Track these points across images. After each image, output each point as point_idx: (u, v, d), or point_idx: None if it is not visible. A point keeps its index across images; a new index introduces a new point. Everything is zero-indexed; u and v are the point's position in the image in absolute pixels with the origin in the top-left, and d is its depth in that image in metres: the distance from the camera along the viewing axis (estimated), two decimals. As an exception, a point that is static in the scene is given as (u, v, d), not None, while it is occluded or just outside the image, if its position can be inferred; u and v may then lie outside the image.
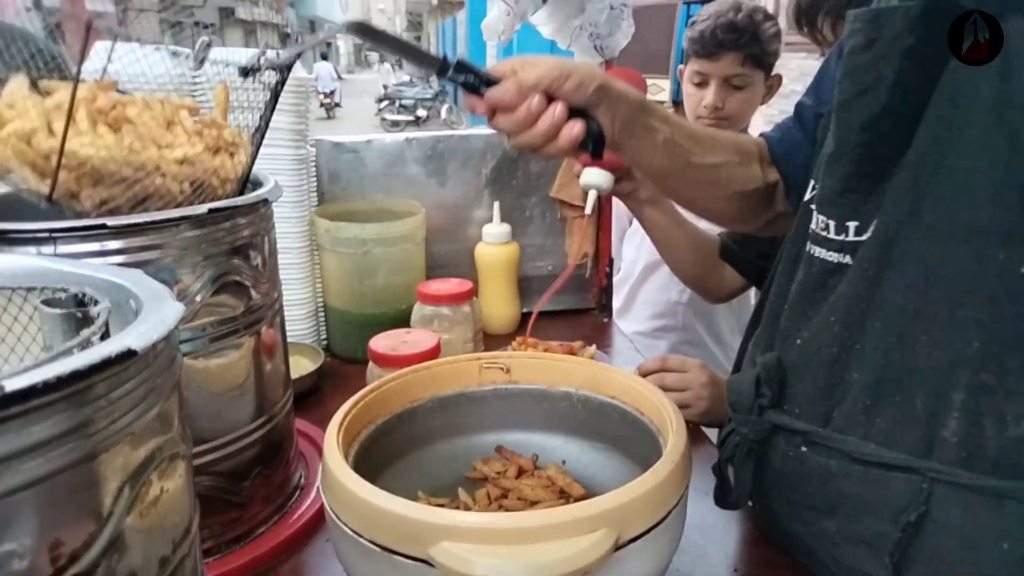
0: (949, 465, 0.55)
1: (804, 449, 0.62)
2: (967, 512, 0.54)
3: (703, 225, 1.26)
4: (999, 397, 0.53)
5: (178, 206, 0.63)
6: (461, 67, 0.70)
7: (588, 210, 1.13)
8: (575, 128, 0.70)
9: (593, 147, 0.72)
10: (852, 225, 0.62)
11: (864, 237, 0.61)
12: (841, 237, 0.62)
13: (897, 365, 0.58)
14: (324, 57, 20.37)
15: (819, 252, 0.64)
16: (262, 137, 0.72)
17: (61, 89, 0.62)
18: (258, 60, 0.68)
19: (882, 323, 0.59)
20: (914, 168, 0.58)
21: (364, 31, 0.67)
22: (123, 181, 0.61)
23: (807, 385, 0.64)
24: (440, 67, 0.70)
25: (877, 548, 0.58)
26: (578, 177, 1.15)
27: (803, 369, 0.64)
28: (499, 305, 1.31)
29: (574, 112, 0.71)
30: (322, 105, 16.44)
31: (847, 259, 0.62)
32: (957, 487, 0.54)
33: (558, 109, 0.70)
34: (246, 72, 0.69)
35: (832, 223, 0.63)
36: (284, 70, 0.70)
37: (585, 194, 1.14)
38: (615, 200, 1.57)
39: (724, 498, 0.70)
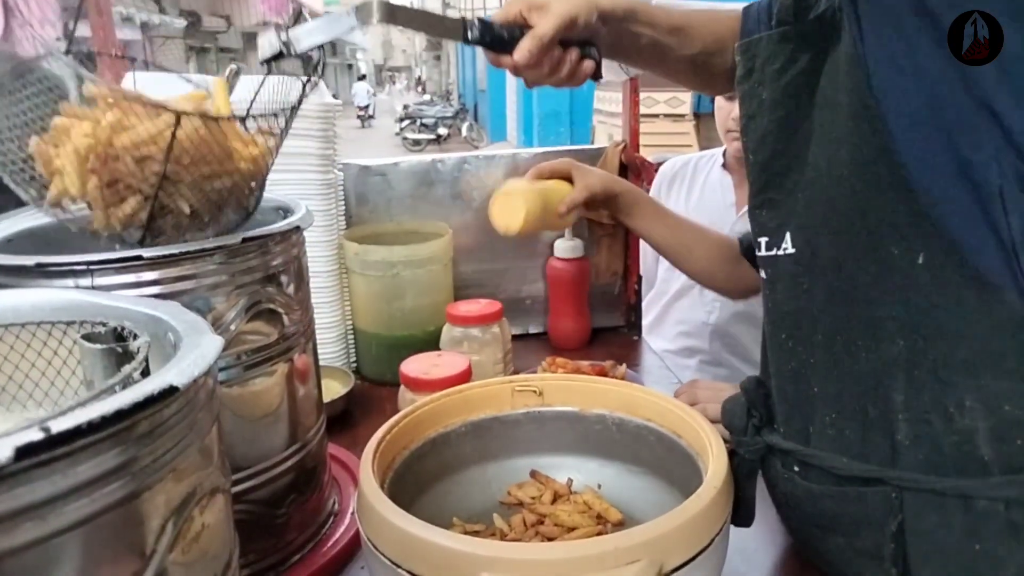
0: (911, 471, 0.55)
1: (796, 469, 0.64)
2: (941, 516, 0.54)
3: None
4: (937, 391, 0.53)
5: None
6: (483, 27, 0.74)
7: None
8: (586, 67, 0.78)
9: (594, 73, 0.79)
10: (763, 241, 0.66)
11: (775, 252, 0.64)
12: (760, 253, 0.66)
13: (847, 374, 0.58)
14: (362, 78, 24.56)
15: (761, 271, 0.68)
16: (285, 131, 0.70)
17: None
18: (280, 44, 0.69)
19: (823, 335, 0.60)
20: (814, 180, 0.60)
21: (390, 11, 0.70)
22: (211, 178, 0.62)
23: (782, 403, 0.66)
24: (464, 32, 0.74)
25: (881, 559, 0.58)
26: None
27: (778, 388, 0.66)
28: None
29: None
30: (359, 117, 20.85)
31: (762, 274, 0.66)
32: (926, 493, 0.54)
33: (573, 56, 0.76)
34: (270, 60, 0.70)
35: (760, 240, 0.66)
36: (309, 60, 0.70)
37: None
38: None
39: (736, 515, 0.70)
